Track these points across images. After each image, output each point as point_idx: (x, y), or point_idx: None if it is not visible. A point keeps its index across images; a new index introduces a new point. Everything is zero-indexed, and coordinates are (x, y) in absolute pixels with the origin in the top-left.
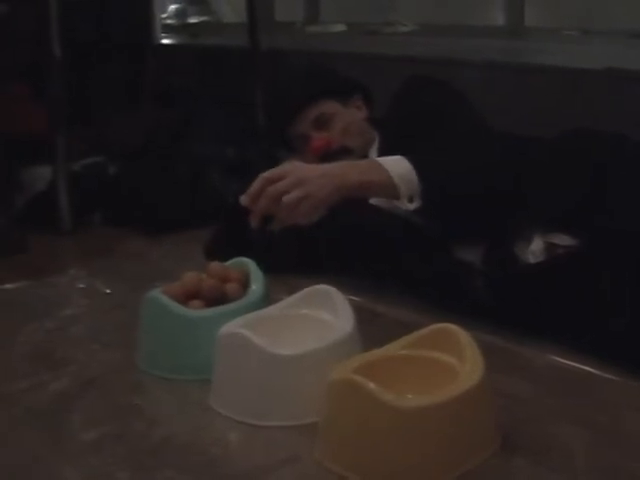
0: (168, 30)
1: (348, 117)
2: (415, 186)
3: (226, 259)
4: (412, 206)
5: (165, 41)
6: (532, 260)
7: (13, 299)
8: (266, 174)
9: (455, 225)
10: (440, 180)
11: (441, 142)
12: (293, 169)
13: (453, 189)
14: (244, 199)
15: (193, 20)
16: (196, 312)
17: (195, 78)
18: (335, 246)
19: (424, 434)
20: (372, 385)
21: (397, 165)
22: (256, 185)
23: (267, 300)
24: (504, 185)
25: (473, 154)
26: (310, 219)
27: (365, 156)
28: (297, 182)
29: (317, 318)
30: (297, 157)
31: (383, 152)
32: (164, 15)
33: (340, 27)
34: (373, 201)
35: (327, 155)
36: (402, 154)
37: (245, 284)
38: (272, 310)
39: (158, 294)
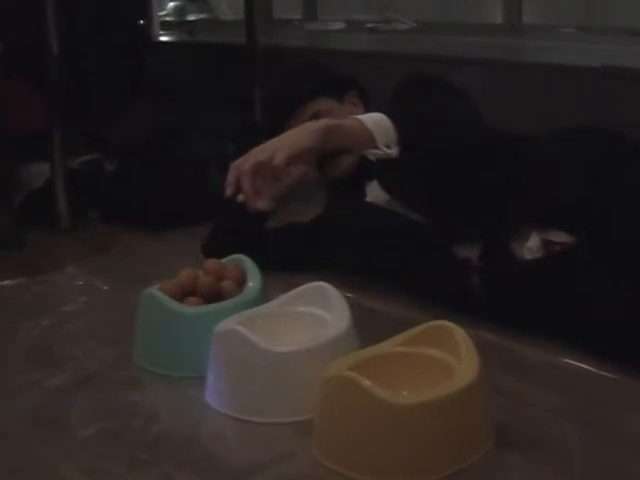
0: (166, 27)
1: (344, 114)
2: (391, 133)
3: (223, 256)
4: (392, 151)
5: (163, 38)
6: (529, 257)
7: (11, 296)
8: (235, 162)
9: (451, 221)
10: (415, 126)
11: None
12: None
13: (428, 134)
14: (228, 191)
15: (191, 17)
16: (192, 309)
17: (193, 75)
18: (332, 243)
19: (419, 431)
20: (367, 382)
21: (371, 116)
22: (231, 174)
23: (263, 297)
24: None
25: (446, 109)
26: (293, 177)
27: (363, 154)
28: (269, 144)
29: (313, 315)
30: None
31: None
32: (162, 12)
33: (338, 25)
34: (370, 199)
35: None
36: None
37: (242, 281)
38: (268, 307)
39: (155, 291)
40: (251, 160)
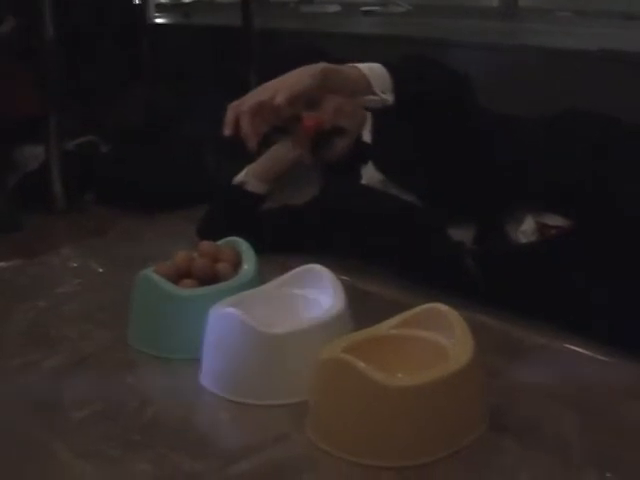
0: (162, 9)
1: (339, 97)
2: (387, 81)
3: (218, 238)
4: (387, 97)
5: (159, 21)
6: (523, 240)
7: (6, 278)
8: (234, 102)
9: (447, 204)
10: (411, 75)
11: None
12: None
13: (424, 84)
14: (226, 131)
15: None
16: (187, 291)
17: (189, 58)
18: (327, 226)
19: (413, 413)
20: (362, 364)
21: (368, 64)
22: (229, 113)
23: (258, 279)
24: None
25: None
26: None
27: (358, 136)
28: (269, 85)
29: (308, 297)
30: (289, 137)
31: (376, 132)
32: None
33: (335, 7)
34: (365, 182)
35: (319, 135)
36: (396, 134)
37: (237, 264)
38: (263, 289)
39: (150, 273)
40: (251, 100)
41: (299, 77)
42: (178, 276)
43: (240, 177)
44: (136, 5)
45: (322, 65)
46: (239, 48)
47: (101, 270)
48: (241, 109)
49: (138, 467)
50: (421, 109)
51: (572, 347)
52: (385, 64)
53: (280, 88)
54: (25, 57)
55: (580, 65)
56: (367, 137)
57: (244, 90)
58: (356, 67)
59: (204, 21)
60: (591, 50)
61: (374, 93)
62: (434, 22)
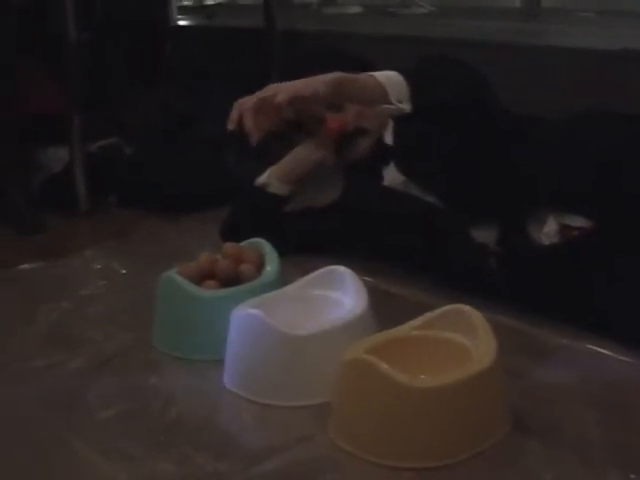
0: (184, 12)
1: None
2: (404, 89)
3: (241, 240)
4: (404, 106)
5: (182, 23)
6: (546, 242)
7: (30, 279)
8: (240, 100)
9: (469, 205)
10: (428, 83)
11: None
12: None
13: (442, 91)
14: (229, 126)
15: (209, 2)
16: (210, 292)
17: (211, 60)
18: (349, 228)
19: (436, 414)
20: (385, 365)
21: (384, 72)
22: (234, 111)
23: (281, 281)
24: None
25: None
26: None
27: (380, 137)
28: (275, 84)
29: (331, 299)
30: (312, 139)
31: (398, 133)
32: None
33: (356, 9)
34: (387, 183)
35: (342, 136)
36: (417, 135)
37: (260, 265)
38: (286, 291)
39: (173, 274)
40: (254, 97)
41: (308, 82)
42: (201, 277)
43: (263, 179)
44: (159, 7)
45: (337, 74)
46: (261, 50)
47: (124, 271)
48: (244, 106)
49: (161, 467)
50: (440, 115)
51: (594, 348)
52: (402, 71)
53: (284, 88)
54: (43, 44)
55: (603, 65)
56: (389, 139)
57: None
58: (372, 76)
59: (227, 23)
60: (614, 50)
61: (391, 102)
62: (456, 23)
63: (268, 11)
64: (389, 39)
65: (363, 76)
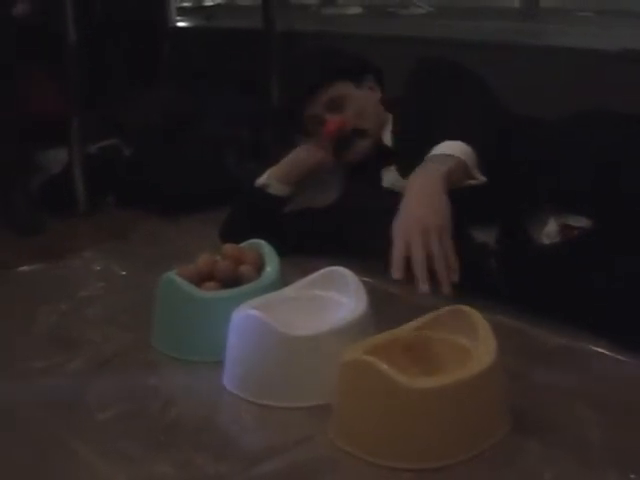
0: (183, 13)
1: (361, 99)
2: (473, 156)
3: (241, 241)
4: (482, 178)
5: (181, 24)
6: (546, 242)
7: (29, 281)
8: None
9: (470, 206)
10: (487, 141)
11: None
12: (395, 234)
13: (496, 150)
14: (397, 273)
15: (208, 3)
16: (210, 293)
17: (211, 61)
18: (348, 228)
19: (436, 415)
20: (384, 366)
21: (454, 148)
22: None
23: (281, 282)
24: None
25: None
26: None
27: (379, 138)
28: (414, 228)
29: (331, 300)
30: (311, 140)
31: (397, 134)
32: None
33: (356, 9)
34: (386, 184)
35: (341, 137)
36: (416, 135)
37: (259, 266)
38: (286, 292)
39: (173, 275)
40: (418, 248)
41: (439, 204)
42: (201, 279)
43: (262, 180)
44: (158, 8)
45: (444, 171)
46: (260, 50)
47: (124, 273)
48: (416, 260)
49: (161, 468)
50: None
51: (594, 348)
52: (463, 137)
53: (436, 224)
54: (42, 45)
55: (602, 65)
56: (388, 140)
57: (265, 92)
58: (452, 157)
59: (225, 24)
60: (613, 50)
61: (476, 177)
62: (455, 23)
63: (267, 12)
64: (388, 40)
65: (453, 163)
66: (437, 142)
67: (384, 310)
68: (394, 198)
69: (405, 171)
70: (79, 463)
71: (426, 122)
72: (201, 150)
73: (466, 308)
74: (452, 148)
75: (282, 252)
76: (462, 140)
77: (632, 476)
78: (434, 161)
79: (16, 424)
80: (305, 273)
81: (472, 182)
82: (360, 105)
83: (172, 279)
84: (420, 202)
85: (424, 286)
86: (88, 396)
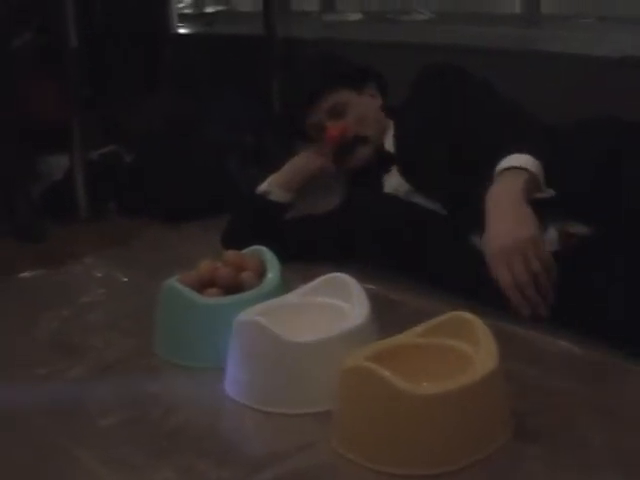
0: (184, 19)
1: (363, 105)
2: (541, 169)
3: (242, 247)
4: (551, 191)
5: (182, 30)
6: (547, 249)
7: (31, 287)
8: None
9: (470, 212)
10: (550, 155)
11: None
12: (491, 255)
13: (565, 162)
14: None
15: (209, 9)
16: (212, 300)
17: (212, 67)
18: (350, 235)
19: (438, 421)
20: (386, 372)
21: (525, 161)
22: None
23: (283, 288)
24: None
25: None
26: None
27: (380, 144)
28: (510, 246)
29: (332, 306)
30: (313, 146)
31: (398, 140)
32: (181, 5)
33: (356, 15)
34: (388, 190)
35: (342, 144)
36: (417, 142)
37: (261, 273)
38: (288, 298)
39: (174, 282)
40: (520, 272)
41: (526, 215)
42: (202, 285)
43: (264, 186)
44: (159, 15)
45: (521, 187)
46: (261, 57)
47: (125, 279)
48: (520, 283)
49: (163, 475)
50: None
51: (595, 354)
52: (530, 151)
53: (526, 239)
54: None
55: (602, 71)
56: (389, 145)
57: (267, 98)
58: (524, 170)
59: (226, 30)
60: (614, 56)
61: (543, 190)
62: (456, 29)
63: (268, 18)
64: (389, 46)
65: (522, 176)
66: (484, 151)
67: (386, 316)
68: (396, 204)
69: (407, 173)
70: (81, 470)
71: (430, 126)
72: (202, 156)
73: (467, 314)
74: (522, 161)
75: (284, 259)
76: (530, 154)
77: None
78: (508, 175)
79: (18, 430)
80: (307, 280)
81: (539, 195)
82: (361, 112)
83: (174, 285)
84: (507, 217)
85: (527, 310)
86: (90, 402)
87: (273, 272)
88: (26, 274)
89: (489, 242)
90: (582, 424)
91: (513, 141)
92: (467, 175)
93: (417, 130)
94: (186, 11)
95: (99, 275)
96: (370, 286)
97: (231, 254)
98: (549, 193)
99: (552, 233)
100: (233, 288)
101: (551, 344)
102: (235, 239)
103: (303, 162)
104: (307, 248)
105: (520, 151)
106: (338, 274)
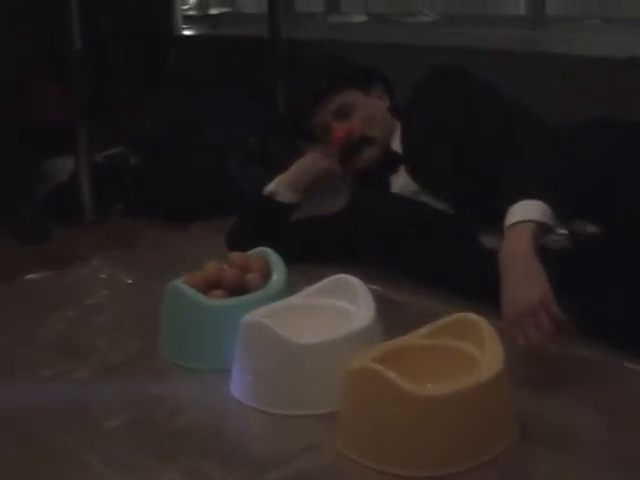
0: (189, 21)
1: (369, 107)
2: (552, 214)
3: (248, 249)
4: (564, 230)
5: (186, 32)
6: (555, 247)
7: (36, 289)
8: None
9: (479, 212)
10: (563, 195)
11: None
12: (507, 305)
13: (574, 195)
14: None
15: (214, 11)
16: (218, 302)
17: (216, 68)
18: (356, 236)
19: (443, 423)
20: (391, 374)
21: (530, 210)
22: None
23: (288, 290)
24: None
25: (551, 150)
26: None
27: (388, 145)
28: (523, 309)
29: (338, 307)
30: (319, 147)
31: (405, 141)
32: (185, 6)
33: (361, 17)
34: (395, 190)
35: (348, 145)
36: (422, 143)
37: (266, 274)
38: (293, 300)
39: (180, 284)
40: (530, 325)
41: (536, 275)
42: (208, 287)
43: (270, 187)
44: (164, 17)
45: (530, 238)
46: (266, 58)
47: (130, 281)
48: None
49: (168, 476)
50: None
51: (602, 355)
52: (534, 196)
53: (540, 299)
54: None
55: (607, 72)
56: (397, 146)
57: (271, 99)
58: (530, 222)
59: (231, 32)
60: (619, 57)
61: (556, 231)
62: (461, 31)
63: (273, 20)
64: (394, 48)
65: (529, 228)
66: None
67: (391, 318)
68: (403, 204)
69: (414, 173)
70: (86, 472)
71: (434, 127)
72: (207, 158)
73: (473, 315)
74: (529, 211)
75: (289, 260)
76: (539, 198)
77: None
78: (515, 232)
79: (23, 431)
80: (312, 281)
81: (552, 238)
82: (368, 113)
83: (179, 287)
84: (519, 278)
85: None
86: (94, 404)
87: (278, 274)
88: (31, 276)
89: (504, 306)
90: (588, 425)
91: (523, 180)
92: (471, 176)
93: (422, 131)
94: (190, 13)
95: (104, 277)
96: (375, 287)
97: (236, 256)
98: (563, 235)
99: (561, 231)
100: (238, 290)
101: (552, 344)
102: (240, 240)
103: (310, 163)
104: (312, 249)
105: (529, 195)
106: (343, 275)
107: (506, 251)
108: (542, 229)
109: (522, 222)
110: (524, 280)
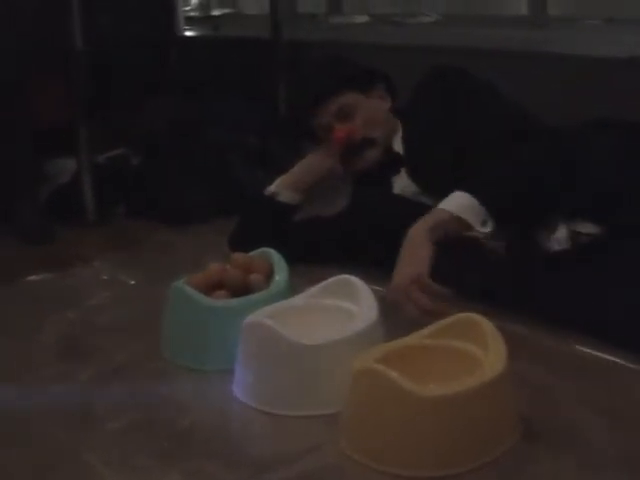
0: (191, 22)
1: (371, 107)
2: (483, 211)
3: (250, 250)
4: (487, 229)
5: (188, 33)
6: (556, 248)
7: (38, 290)
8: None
9: None
10: (501, 196)
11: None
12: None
13: (515, 199)
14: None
15: (216, 12)
16: (221, 302)
17: (218, 69)
18: (359, 237)
19: (446, 423)
20: (394, 374)
21: (456, 201)
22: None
23: (291, 290)
24: (553, 178)
25: (521, 154)
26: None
27: (389, 146)
28: (399, 285)
29: (341, 308)
30: (320, 148)
31: (407, 142)
32: (187, 8)
33: (363, 18)
34: (397, 191)
35: (350, 146)
36: (422, 144)
37: (269, 274)
38: (296, 300)
39: (182, 284)
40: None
41: (420, 254)
42: (210, 287)
43: (272, 188)
44: (165, 18)
45: (428, 226)
46: (268, 59)
47: (133, 282)
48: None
49: (171, 477)
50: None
51: (605, 356)
52: (470, 191)
53: (417, 273)
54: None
55: (609, 73)
56: (398, 146)
57: (273, 100)
58: (445, 211)
59: (233, 33)
60: (621, 57)
61: (476, 229)
62: (463, 32)
63: (274, 21)
64: (396, 48)
65: (441, 215)
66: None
67: (394, 318)
68: (405, 205)
69: (414, 174)
70: (88, 472)
71: (435, 128)
72: (208, 158)
73: (476, 316)
74: (453, 203)
75: (291, 260)
76: (472, 193)
77: None
78: (428, 215)
79: (25, 433)
80: (314, 282)
81: (472, 234)
82: (369, 114)
83: (182, 288)
84: (403, 258)
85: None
86: (98, 405)
87: (281, 274)
88: (33, 277)
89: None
90: (584, 424)
91: (478, 175)
92: (471, 177)
93: (422, 133)
94: (192, 14)
95: (105, 278)
96: (378, 288)
97: (239, 256)
98: (480, 234)
99: (562, 232)
100: (241, 290)
101: (559, 345)
102: (243, 241)
103: (311, 163)
104: (315, 250)
105: (464, 188)
106: (346, 276)
107: (408, 232)
108: (458, 222)
109: (439, 210)
110: (406, 261)
